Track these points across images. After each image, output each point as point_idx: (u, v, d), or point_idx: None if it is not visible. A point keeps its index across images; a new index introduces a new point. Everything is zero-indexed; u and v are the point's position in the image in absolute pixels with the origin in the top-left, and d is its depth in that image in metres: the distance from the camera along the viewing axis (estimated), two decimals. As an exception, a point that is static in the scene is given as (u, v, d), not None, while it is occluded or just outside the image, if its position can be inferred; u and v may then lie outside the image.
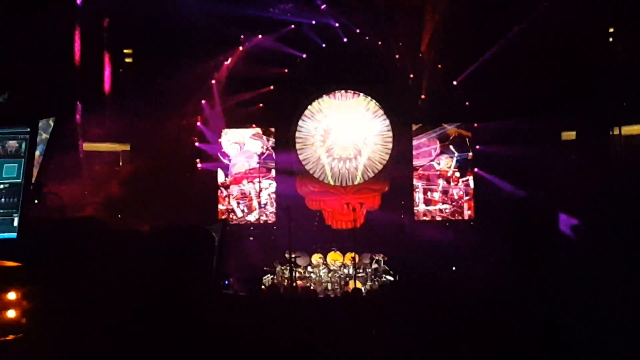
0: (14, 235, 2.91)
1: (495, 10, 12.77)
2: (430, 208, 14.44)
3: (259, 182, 14.67)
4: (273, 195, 14.69)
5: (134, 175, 12.81)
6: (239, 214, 14.71)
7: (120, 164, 13.89)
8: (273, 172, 14.77)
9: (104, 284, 3.23)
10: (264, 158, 14.76)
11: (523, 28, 12.50)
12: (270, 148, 14.79)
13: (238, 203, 14.75)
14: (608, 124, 13.06)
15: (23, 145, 3.07)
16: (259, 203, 14.66)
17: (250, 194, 14.78)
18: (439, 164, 14.52)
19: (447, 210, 14.40)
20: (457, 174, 14.42)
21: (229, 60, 14.19)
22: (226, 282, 11.13)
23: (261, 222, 14.62)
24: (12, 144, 3.04)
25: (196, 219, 12.05)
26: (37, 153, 3.18)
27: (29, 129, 3.08)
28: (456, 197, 14.43)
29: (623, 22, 12.62)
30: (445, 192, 14.44)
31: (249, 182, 14.80)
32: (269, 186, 14.76)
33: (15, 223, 2.95)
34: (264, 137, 14.82)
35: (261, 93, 14.22)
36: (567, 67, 12.43)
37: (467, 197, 14.36)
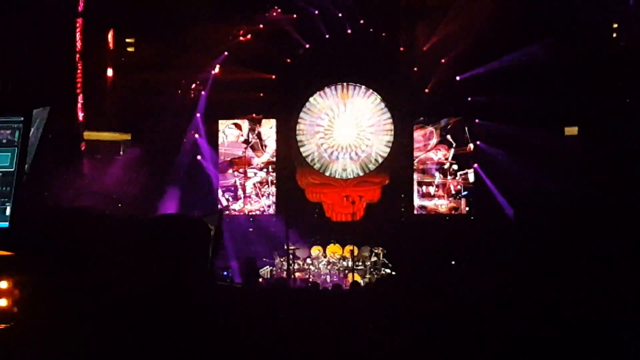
0: (5, 224, 2.89)
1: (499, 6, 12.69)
2: (427, 203, 14.31)
3: (244, 170, 14.55)
4: (259, 185, 14.59)
5: (134, 165, 12.82)
6: (224, 202, 14.61)
7: (121, 153, 13.89)
8: (258, 161, 14.63)
9: (96, 274, 3.22)
10: (250, 146, 14.64)
11: (527, 26, 12.44)
12: (256, 136, 14.66)
13: (223, 192, 14.67)
14: (611, 118, 12.97)
15: (17, 134, 3.04)
16: (244, 192, 14.57)
17: (235, 182, 14.68)
18: (436, 153, 14.39)
19: (444, 206, 14.28)
20: (455, 167, 14.29)
21: (228, 52, 14.11)
22: (225, 273, 11.15)
23: (254, 212, 14.55)
24: (5, 132, 3.01)
25: (194, 209, 12.06)
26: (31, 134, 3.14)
27: (22, 118, 3.05)
28: (454, 191, 14.30)
29: (626, 16, 12.54)
30: (442, 185, 14.33)
31: (233, 171, 14.71)
32: (254, 175, 14.66)
33: (8, 212, 2.92)
34: (249, 125, 14.68)
35: (262, 83, 14.12)
36: (570, 61, 12.35)
37: (466, 193, 14.24)
